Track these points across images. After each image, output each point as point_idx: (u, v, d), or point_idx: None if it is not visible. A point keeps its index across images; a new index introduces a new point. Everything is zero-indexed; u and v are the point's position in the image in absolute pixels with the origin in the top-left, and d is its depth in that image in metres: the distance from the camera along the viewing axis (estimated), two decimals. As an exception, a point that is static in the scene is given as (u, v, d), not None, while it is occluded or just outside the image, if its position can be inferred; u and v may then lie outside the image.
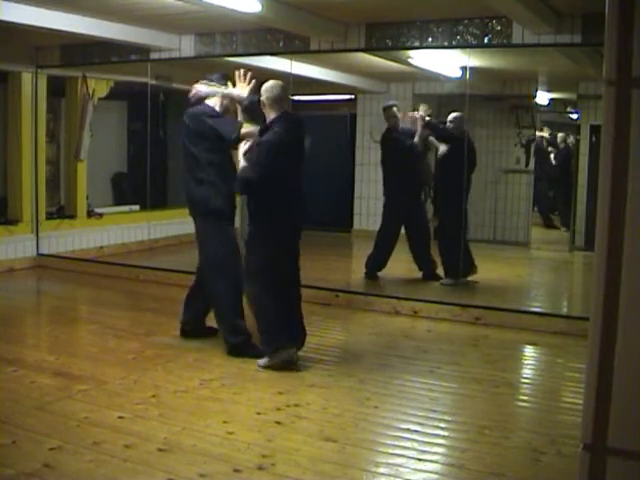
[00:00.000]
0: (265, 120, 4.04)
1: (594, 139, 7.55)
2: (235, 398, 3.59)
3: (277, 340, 4.02)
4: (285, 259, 4.09)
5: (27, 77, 7.20)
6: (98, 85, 7.80)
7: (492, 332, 5.09)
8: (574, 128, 8.14)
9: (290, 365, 4.03)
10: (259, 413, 3.39)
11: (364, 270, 6.56)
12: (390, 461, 2.92)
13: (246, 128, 4.12)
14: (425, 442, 3.12)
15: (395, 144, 6.44)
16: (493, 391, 3.87)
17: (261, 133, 3.99)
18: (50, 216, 7.67)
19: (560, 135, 8.51)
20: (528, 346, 4.92)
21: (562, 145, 8.50)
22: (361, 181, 9.12)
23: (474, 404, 3.65)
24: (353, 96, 9.30)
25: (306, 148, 4.16)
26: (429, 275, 6.34)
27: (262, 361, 4.06)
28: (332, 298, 5.78)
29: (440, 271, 6.34)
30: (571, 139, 8.36)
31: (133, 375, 3.91)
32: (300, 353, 4.21)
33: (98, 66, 7.26)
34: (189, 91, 4.39)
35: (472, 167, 6.38)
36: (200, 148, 4.24)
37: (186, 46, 6.54)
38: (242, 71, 4.23)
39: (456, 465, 2.91)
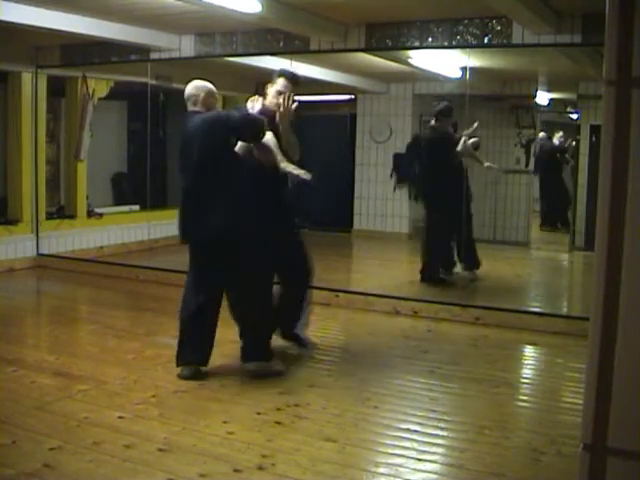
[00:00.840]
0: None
1: (594, 139, 7.55)
2: (235, 398, 3.59)
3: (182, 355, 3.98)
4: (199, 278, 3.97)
5: (27, 77, 7.20)
6: (98, 85, 7.80)
7: (492, 332, 5.08)
8: (574, 128, 8.13)
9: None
10: (259, 413, 3.39)
11: (420, 276, 6.41)
12: (390, 461, 2.92)
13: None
14: (425, 442, 3.12)
15: (453, 146, 6.50)
16: (493, 391, 3.87)
17: None
18: (50, 216, 7.67)
19: (541, 134, 8.47)
20: (528, 346, 4.92)
21: (544, 142, 8.46)
22: (361, 181, 9.12)
23: (474, 404, 3.65)
24: (353, 96, 9.30)
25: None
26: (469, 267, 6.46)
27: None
28: (332, 298, 5.78)
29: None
30: (550, 136, 8.31)
31: (133, 375, 3.91)
32: (300, 353, 4.21)
33: (98, 66, 7.25)
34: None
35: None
36: None
37: (186, 46, 6.54)
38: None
39: (456, 465, 2.91)
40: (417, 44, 5.69)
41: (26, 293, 6.64)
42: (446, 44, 5.56)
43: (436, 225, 6.46)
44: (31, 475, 2.68)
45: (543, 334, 5.00)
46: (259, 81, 8.86)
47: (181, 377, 3.84)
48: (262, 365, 3.92)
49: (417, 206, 8.94)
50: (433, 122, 6.48)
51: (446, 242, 6.45)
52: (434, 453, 3.03)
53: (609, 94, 0.96)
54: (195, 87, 3.96)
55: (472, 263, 6.50)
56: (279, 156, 4.01)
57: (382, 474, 2.83)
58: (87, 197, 7.99)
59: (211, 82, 4.01)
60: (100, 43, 6.60)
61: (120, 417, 3.28)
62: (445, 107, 6.47)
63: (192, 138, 3.84)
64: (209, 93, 3.96)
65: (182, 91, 4.00)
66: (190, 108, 3.93)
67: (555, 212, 8.43)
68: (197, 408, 3.45)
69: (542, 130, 8.49)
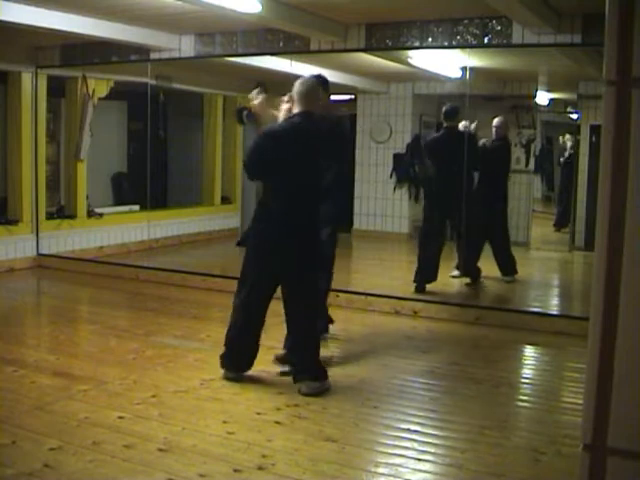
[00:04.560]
0: None
1: (594, 139, 7.55)
2: (235, 398, 3.59)
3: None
4: (266, 275, 3.79)
5: (27, 77, 7.20)
6: (98, 85, 7.80)
7: (492, 332, 5.09)
8: (574, 128, 8.13)
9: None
10: (259, 413, 3.39)
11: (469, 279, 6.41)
12: (390, 461, 2.92)
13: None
14: (425, 442, 3.12)
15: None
16: (493, 391, 3.87)
17: None
18: (50, 216, 7.66)
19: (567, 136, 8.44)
20: (528, 346, 4.92)
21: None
22: (361, 181, 9.11)
23: (474, 404, 3.65)
24: (353, 96, 9.30)
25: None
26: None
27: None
28: (332, 298, 5.76)
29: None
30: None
31: (133, 375, 3.91)
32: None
33: (98, 66, 7.25)
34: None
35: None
36: None
37: (186, 46, 6.54)
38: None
39: (456, 465, 2.91)
40: (417, 44, 5.68)
41: (26, 293, 6.64)
42: (446, 44, 5.56)
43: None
44: (31, 475, 2.68)
45: (543, 334, 5.00)
46: (259, 81, 8.87)
47: None
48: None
49: (417, 206, 8.97)
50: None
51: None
52: (434, 453, 3.03)
53: (609, 94, 0.96)
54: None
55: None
56: None
57: (382, 474, 2.83)
58: (87, 197, 7.99)
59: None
60: (100, 43, 6.59)
61: (120, 417, 3.28)
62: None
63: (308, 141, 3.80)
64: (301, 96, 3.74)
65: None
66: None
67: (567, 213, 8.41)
68: (197, 408, 3.45)
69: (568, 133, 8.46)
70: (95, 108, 7.82)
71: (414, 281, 6.09)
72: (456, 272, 6.46)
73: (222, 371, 3.89)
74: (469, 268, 6.35)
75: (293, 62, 6.35)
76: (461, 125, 6.38)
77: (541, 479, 2.86)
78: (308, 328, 3.82)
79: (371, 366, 4.22)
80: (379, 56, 6.32)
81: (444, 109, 6.34)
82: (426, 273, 6.09)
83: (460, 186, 6.09)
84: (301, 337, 3.81)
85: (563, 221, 8.32)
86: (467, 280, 6.33)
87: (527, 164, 8.34)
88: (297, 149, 3.72)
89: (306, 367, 3.75)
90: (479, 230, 6.46)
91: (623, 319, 0.97)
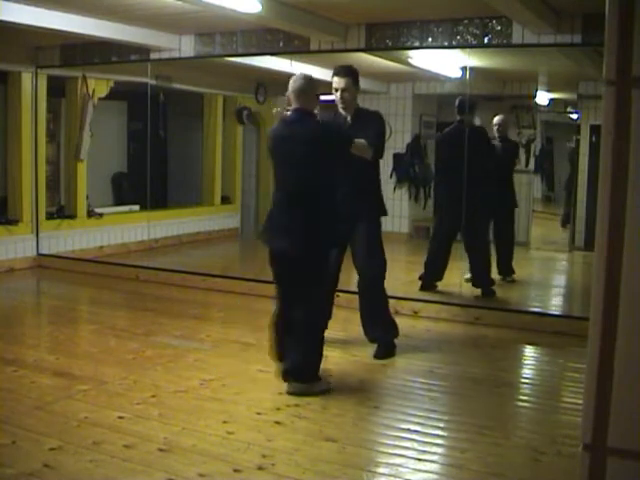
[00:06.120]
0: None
1: (594, 139, 7.54)
2: (235, 398, 3.59)
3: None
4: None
5: (27, 77, 7.20)
6: (98, 85, 7.80)
7: (492, 332, 5.09)
8: (574, 128, 8.12)
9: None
10: (259, 413, 3.39)
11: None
12: (390, 461, 2.92)
13: None
14: (425, 442, 3.12)
15: None
16: (493, 391, 3.87)
17: None
18: (50, 216, 7.66)
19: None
20: (528, 346, 4.92)
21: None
22: (361, 181, 9.10)
23: (474, 404, 3.65)
24: (353, 96, 9.29)
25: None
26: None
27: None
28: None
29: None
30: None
31: (133, 375, 3.91)
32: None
33: (98, 66, 7.25)
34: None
35: None
36: None
37: (186, 46, 6.54)
38: None
39: (456, 465, 2.91)
40: (417, 44, 5.68)
41: (26, 293, 6.64)
42: (446, 44, 5.55)
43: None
44: (31, 475, 2.68)
45: (543, 334, 5.00)
46: (259, 81, 8.87)
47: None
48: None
49: (417, 206, 8.97)
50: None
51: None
52: (434, 453, 3.04)
53: (609, 94, 0.96)
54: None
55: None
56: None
57: (382, 474, 2.83)
58: (87, 197, 7.99)
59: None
60: (100, 43, 6.59)
61: (120, 417, 3.28)
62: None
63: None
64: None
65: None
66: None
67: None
68: (197, 408, 3.45)
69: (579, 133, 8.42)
70: (95, 108, 7.81)
71: (419, 278, 6.13)
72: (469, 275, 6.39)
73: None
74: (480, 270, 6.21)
75: (293, 62, 6.35)
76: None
77: (541, 479, 2.86)
78: (299, 327, 3.74)
79: (371, 366, 4.22)
80: (379, 56, 6.32)
81: (457, 102, 6.27)
82: (433, 272, 6.09)
83: (474, 182, 6.01)
84: (293, 336, 3.76)
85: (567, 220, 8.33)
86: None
87: (527, 164, 8.33)
88: None
89: (294, 367, 3.68)
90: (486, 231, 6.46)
91: (623, 319, 0.97)
